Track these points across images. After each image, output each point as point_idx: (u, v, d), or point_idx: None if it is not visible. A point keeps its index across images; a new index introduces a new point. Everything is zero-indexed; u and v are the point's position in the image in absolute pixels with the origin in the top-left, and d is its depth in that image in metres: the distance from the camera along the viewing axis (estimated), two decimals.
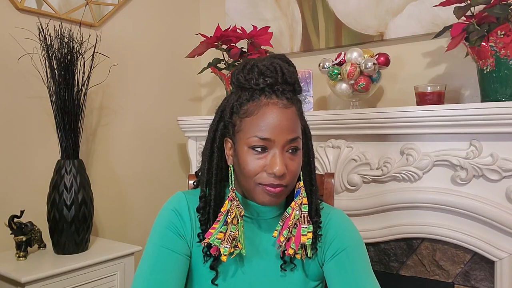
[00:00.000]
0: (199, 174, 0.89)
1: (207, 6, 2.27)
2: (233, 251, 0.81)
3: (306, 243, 0.81)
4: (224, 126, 0.84)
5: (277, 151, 0.77)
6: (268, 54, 0.86)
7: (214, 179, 0.84)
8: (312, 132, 1.62)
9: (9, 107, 1.56)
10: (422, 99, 1.45)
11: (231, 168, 0.84)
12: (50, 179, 1.51)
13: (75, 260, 1.43)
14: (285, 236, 0.82)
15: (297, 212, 0.82)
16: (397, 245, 1.56)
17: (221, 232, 0.80)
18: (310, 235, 0.81)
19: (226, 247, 0.79)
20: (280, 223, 0.84)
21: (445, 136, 1.39)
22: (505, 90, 1.28)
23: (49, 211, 1.48)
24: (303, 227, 0.81)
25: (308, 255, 0.83)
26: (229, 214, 0.81)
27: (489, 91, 1.32)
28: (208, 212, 0.84)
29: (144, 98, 1.99)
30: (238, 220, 0.81)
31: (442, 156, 1.39)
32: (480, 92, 1.36)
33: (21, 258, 1.42)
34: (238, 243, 0.81)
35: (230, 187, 0.84)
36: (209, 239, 0.80)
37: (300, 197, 0.83)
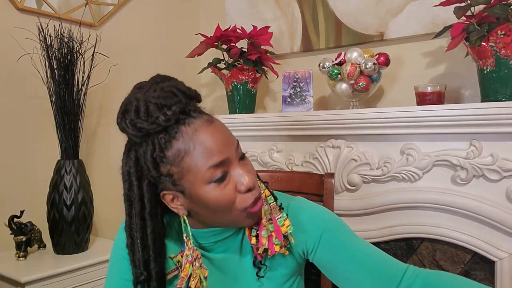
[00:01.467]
0: (128, 251, 0.76)
1: (207, 6, 2.27)
2: None
3: (288, 231, 0.76)
4: (150, 185, 0.73)
5: (235, 166, 0.72)
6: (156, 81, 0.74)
7: (153, 252, 0.74)
8: (312, 132, 1.64)
9: (9, 107, 1.56)
10: (422, 99, 1.45)
11: (184, 219, 0.75)
12: (50, 179, 1.51)
13: (75, 260, 1.43)
14: (266, 236, 0.77)
15: (266, 207, 0.78)
16: (397, 245, 1.56)
17: None
18: (288, 222, 0.77)
19: None
20: (255, 227, 0.78)
21: (445, 136, 1.39)
22: (505, 90, 1.28)
23: (49, 211, 1.48)
24: (278, 218, 0.77)
25: (292, 242, 0.78)
26: (191, 278, 0.74)
27: (489, 91, 1.31)
28: None
29: None
30: (201, 282, 0.74)
31: (442, 156, 1.39)
32: (480, 92, 1.36)
33: (21, 258, 1.42)
34: None
35: (186, 239, 0.76)
36: None
37: (262, 191, 0.79)
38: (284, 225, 0.77)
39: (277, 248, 0.77)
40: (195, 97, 0.73)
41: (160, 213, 0.77)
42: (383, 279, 0.75)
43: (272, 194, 0.81)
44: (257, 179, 0.79)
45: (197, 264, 0.75)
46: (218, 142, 0.70)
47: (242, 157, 0.75)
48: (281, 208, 0.79)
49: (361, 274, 0.77)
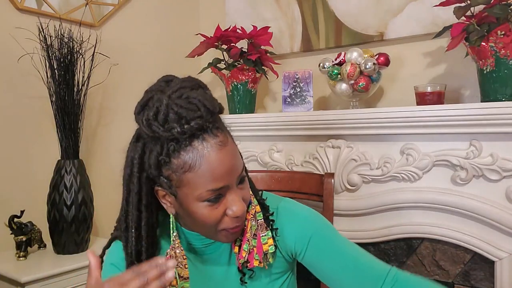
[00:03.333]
0: (122, 237, 0.78)
1: (207, 6, 2.27)
2: None
3: (269, 251, 0.79)
4: (148, 179, 0.73)
5: (232, 192, 0.72)
6: (164, 80, 0.74)
7: (146, 244, 0.75)
8: (312, 132, 1.64)
9: (9, 107, 1.56)
10: (422, 99, 1.45)
11: (172, 217, 0.77)
12: (50, 179, 1.51)
13: (75, 260, 1.43)
14: (246, 250, 0.79)
15: (253, 223, 0.79)
16: (397, 245, 1.56)
17: None
18: (271, 241, 0.79)
19: None
20: (240, 237, 0.80)
21: (445, 136, 1.39)
22: (505, 90, 1.28)
23: (49, 211, 1.48)
24: (263, 236, 0.79)
25: (271, 262, 0.81)
26: None
27: (489, 91, 1.32)
28: None
29: None
30: (177, 281, 0.75)
31: (442, 156, 1.39)
32: (480, 92, 1.36)
33: (21, 258, 1.42)
34: None
35: (174, 237, 0.76)
36: None
37: (253, 206, 0.80)
38: (266, 243, 0.79)
39: (256, 263, 0.79)
40: (217, 112, 0.71)
41: (155, 207, 0.78)
42: (367, 280, 0.79)
43: (263, 207, 0.82)
44: (251, 194, 0.80)
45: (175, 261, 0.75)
46: (224, 169, 0.69)
47: (242, 180, 0.75)
48: (267, 226, 0.81)
49: (347, 275, 0.80)
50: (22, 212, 1.43)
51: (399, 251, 1.55)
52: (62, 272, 1.36)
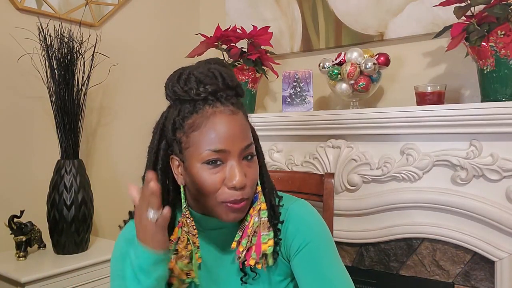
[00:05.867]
0: None
1: (207, 6, 2.27)
2: (185, 280, 0.78)
3: (267, 252, 0.77)
4: (166, 145, 0.78)
5: (234, 162, 0.73)
6: (204, 60, 0.82)
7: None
8: (312, 132, 1.64)
9: (9, 107, 1.56)
10: (422, 99, 1.45)
11: (182, 188, 0.78)
12: (50, 179, 1.51)
13: (75, 260, 1.43)
14: (245, 246, 0.78)
15: (256, 219, 0.78)
16: (397, 245, 1.56)
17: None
18: (271, 242, 0.78)
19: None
20: (239, 233, 0.79)
21: (445, 136, 1.39)
22: (505, 90, 1.28)
23: (49, 211, 1.48)
24: (263, 235, 0.78)
25: (269, 264, 0.79)
26: (179, 242, 0.77)
27: (489, 91, 1.32)
28: None
29: (144, 98, 1.99)
30: (191, 247, 0.77)
31: (442, 156, 1.39)
32: (480, 92, 1.36)
33: (21, 258, 1.42)
34: (191, 271, 0.77)
35: (184, 209, 0.78)
36: None
37: (259, 203, 0.79)
38: (266, 243, 0.77)
39: (252, 262, 0.78)
40: (234, 88, 0.77)
41: (172, 179, 0.80)
42: None
43: (274, 213, 0.81)
44: (259, 191, 0.80)
45: (185, 229, 0.78)
46: (227, 132, 0.73)
47: (249, 158, 0.76)
48: (271, 226, 0.79)
49: None
50: (22, 212, 1.43)
51: (399, 251, 1.55)
52: (62, 272, 1.36)
